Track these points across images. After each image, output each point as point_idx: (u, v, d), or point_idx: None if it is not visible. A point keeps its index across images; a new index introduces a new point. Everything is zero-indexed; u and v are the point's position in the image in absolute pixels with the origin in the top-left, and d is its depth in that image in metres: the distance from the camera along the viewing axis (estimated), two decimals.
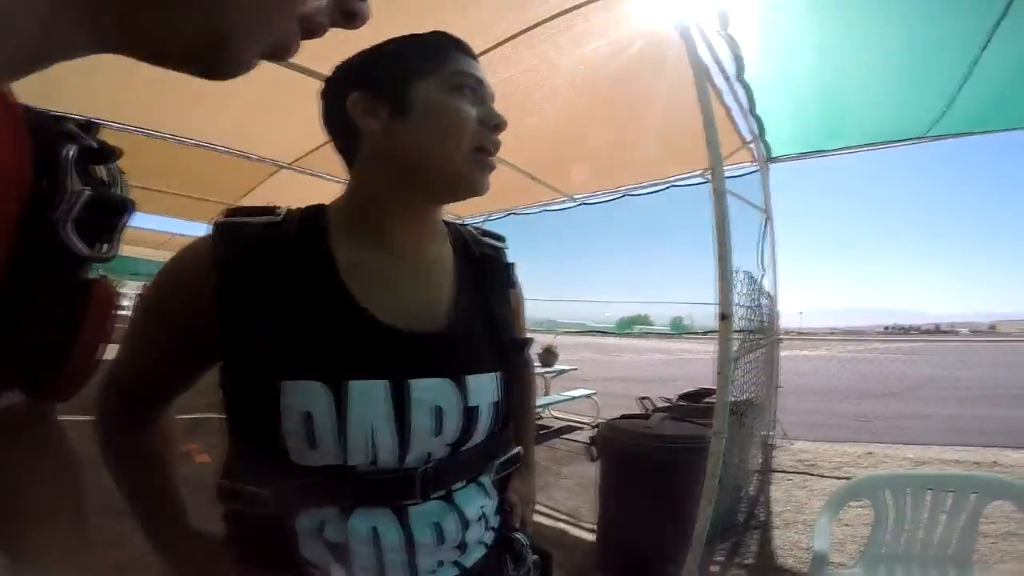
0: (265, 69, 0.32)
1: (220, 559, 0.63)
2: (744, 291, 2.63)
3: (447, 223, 0.76)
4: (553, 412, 6.07)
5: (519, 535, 0.73)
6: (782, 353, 5.02)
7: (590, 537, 2.73)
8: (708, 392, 3.80)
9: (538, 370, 5.58)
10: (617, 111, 3.17)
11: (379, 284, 0.62)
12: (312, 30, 0.29)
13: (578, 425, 5.72)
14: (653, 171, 4.28)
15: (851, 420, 6.64)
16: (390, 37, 0.65)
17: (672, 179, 4.37)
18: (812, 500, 3.34)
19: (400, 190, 0.64)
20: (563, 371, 5.99)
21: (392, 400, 0.57)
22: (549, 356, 5.82)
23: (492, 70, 2.54)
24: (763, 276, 4.44)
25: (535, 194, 4.91)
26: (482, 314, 0.69)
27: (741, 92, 3.08)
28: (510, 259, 0.81)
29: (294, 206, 0.66)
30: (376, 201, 0.64)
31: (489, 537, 0.68)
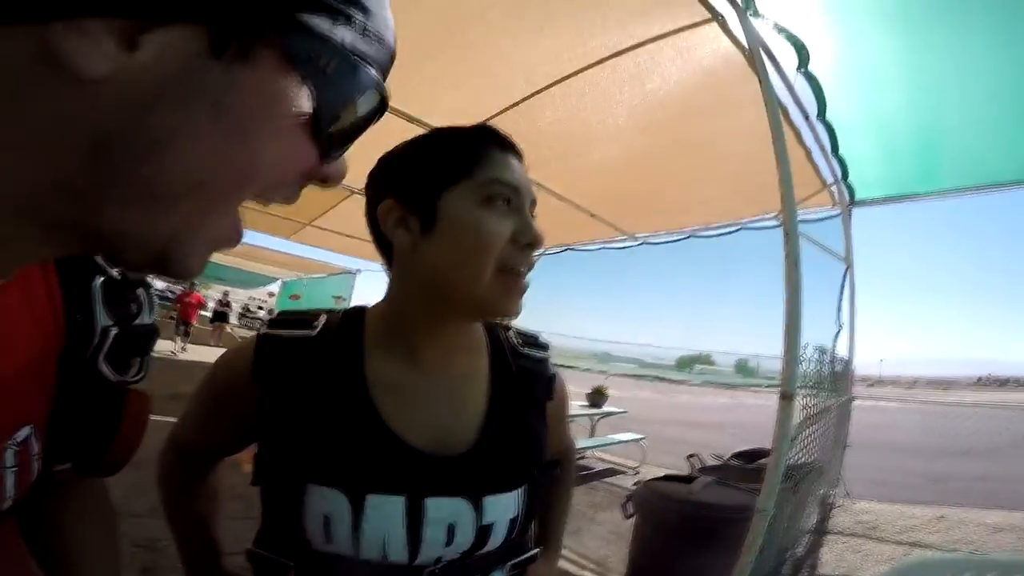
0: None
1: None
2: (812, 368, 2.40)
3: (488, 327, 0.74)
4: (597, 454, 5.87)
5: None
6: (859, 404, 4.56)
7: None
8: (763, 452, 3.51)
9: (585, 412, 5.44)
10: (685, 150, 3.06)
11: (406, 402, 0.62)
12: (279, 199, 0.30)
13: (621, 469, 5.49)
14: (721, 213, 4.10)
15: (924, 480, 5.90)
16: (433, 130, 0.65)
17: (742, 221, 4.15)
18: (866, 565, 3.00)
19: (428, 307, 0.63)
20: (610, 413, 5.79)
21: (407, 515, 0.58)
22: (598, 397, 5.66)
23: (552, 105, 2.64)
24: (839, 333, 4.09)
25: (594, 232, 4.86)
26: (514, 432, 0.67)
27: (823, 132, 2.88)
28: (552, 369, 0.78)
29: (341, 307, 0.70)
30: (405, 316, 0.65)
31: None
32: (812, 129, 2.81)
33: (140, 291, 0.49)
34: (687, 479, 2.45)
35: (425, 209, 0.59)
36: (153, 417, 0.52)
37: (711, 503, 2.14)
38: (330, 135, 0.28)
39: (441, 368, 0.65)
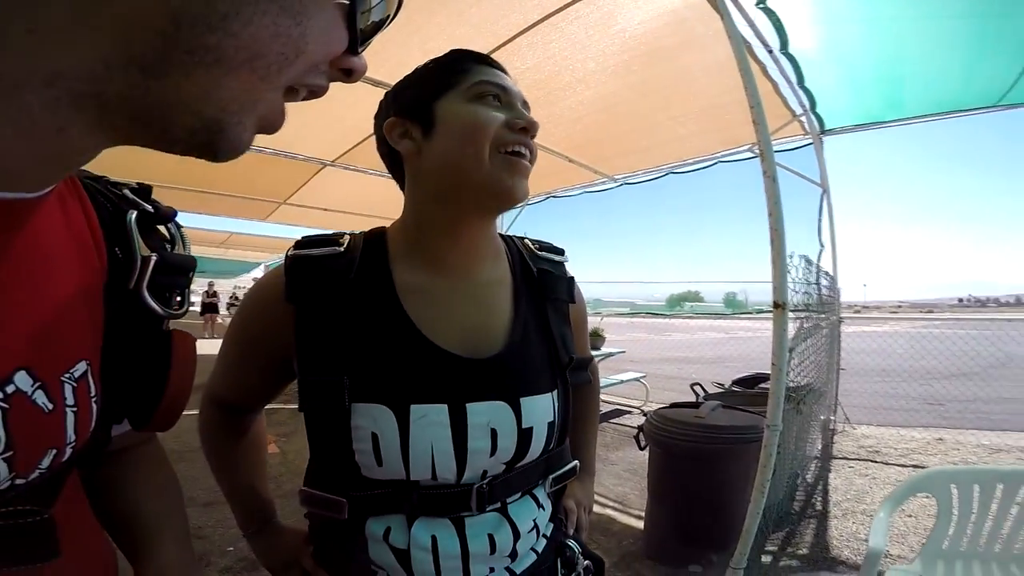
0: None
1: (302, 552, 0.72)
2: (800, 276, 2.50)
3: (504, 238, 0.76)
4: (601, 396, 6.00)
5: (571, 542, 0.75)
6: (845, 330, 4.76)
7: (638, 524, 2.71)
8: (763, 377, 3.66)
9: None
10: (656, 90, 3.05)
11: (436, 308, 0.64)
12: (313, 92, 0.32)
13: (627, 409, 5.67)
14: (696, 149, 4.10)
15: (919, 403, 6.10)
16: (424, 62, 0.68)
17: (718, 154, 4.18)
18: (874, 489, 3.19)
19: (442, 207, 0.65)
20: (610, 354, 5.92)
21: (451, 423, 0.60)
22: (595, 339, 5.74)
23: (519, 56, 2.59)
24: (821, 253, 4.23)
25: (573, 177, 4.82)
26: (540, 334, 0.69)
27: (787, 65, 2.96)
28: (570, 272, 0.80)
29: (358, 230, 0.70)
30: (424, 222, 0.66)
31: (541, 544, 0.70)
32: (776, 63, 2.91)
33: (171, 225, 0.49)
34: (694, 405, 2.54)
35: (423, 116, 0.64)
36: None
37: (721, 424, 2.21)
38: (359, 28, 0.31)
39: (465, 274, 0.67)
